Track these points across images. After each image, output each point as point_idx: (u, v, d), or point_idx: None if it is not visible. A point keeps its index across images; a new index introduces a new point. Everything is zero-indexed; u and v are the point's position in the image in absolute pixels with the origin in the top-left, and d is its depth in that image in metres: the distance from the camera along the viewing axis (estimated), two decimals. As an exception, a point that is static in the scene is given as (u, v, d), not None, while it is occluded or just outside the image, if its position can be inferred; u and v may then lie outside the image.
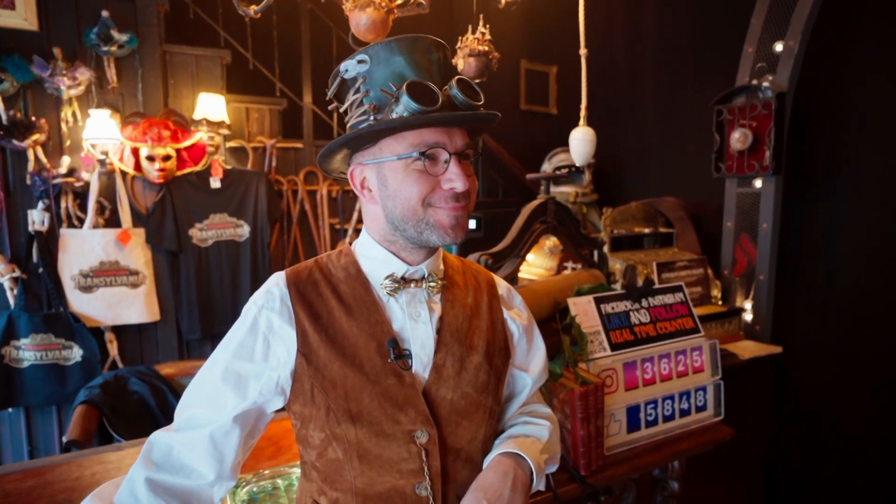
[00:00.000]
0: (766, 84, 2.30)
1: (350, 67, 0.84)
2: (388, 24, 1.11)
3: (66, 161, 2.56)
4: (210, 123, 2.70)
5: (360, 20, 1.07)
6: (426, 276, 0.88)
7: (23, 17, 2.46)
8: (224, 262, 2.88)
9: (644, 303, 1.62)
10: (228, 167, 2.86)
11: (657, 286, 1.67)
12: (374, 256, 0.88)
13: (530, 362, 1.00)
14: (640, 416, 1.52)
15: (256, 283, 2.91)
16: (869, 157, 2.21)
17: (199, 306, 2.83)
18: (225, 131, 2.79)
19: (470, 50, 1.36)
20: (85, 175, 2.58)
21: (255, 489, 1.21)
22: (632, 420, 1.50)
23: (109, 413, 2.41)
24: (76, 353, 2.60)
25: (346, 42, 3.23)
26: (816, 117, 2.33)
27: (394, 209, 0.82)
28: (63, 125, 2.56)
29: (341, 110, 0.90)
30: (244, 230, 2.89)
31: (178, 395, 2.62)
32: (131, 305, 2.70)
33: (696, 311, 1.79)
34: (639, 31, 3.20)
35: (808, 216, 2.40)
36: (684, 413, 1.60)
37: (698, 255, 2.61)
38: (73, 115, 2.56)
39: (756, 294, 2.45)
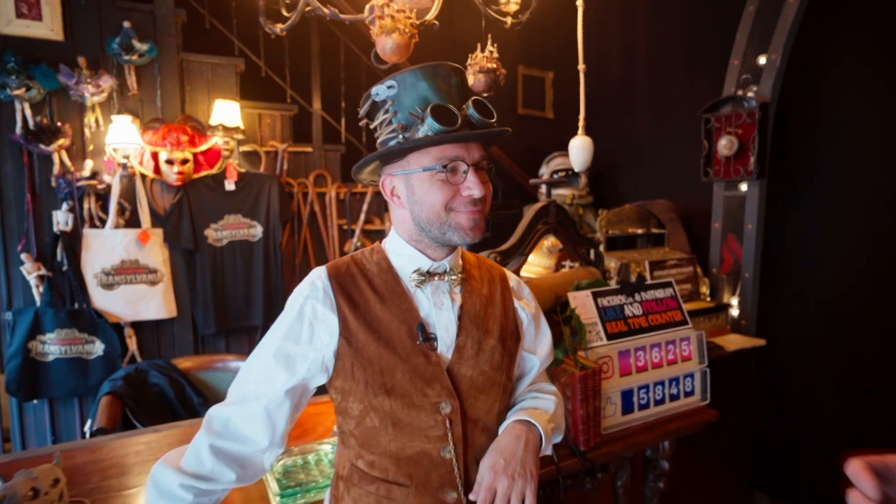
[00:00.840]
0: (750, 95, 2.45)
1: (381, 91, 0.96)
2: (411, 47, 1.24)
3: (89, 164, 2.67)
4: (226, 129, 2.82)
5: (387, 44, 1.20)
6: (448, 270, 1.01)
7: (49, 28, 2.58)
8: (238, 261, 3.00)
9: (637, 297, 1.76)
10: (242, 170, 2.98)
11: (649, 282, 1.80)
12: (402, 253, 1.01)
13: (538, 346, 1.13)
14: (634, 399, 1.65)
15: (269, 281, 3.05)
16: (844, 163, 2.35)
17: (214, 303, 2.95)
18: (240, 136, 2.91)
19: (480, 67, 1.49)
20: (107, 178, 2.69)
21: (288, 463, 1.33)
22: (626, 403, 1.63)
23: (132, 403, 2.52)
24: (98, 348, 2.71)
25: (354, 51, 3.35)
26: (797, 126, 2.47)
27: (420, 213, 0.95)
28: (86, 130, 2.67)
29: (371, 127, 1.03)
30: (257, 230, 3.01)
31: (195, 388, 2.73)
32: (150, 302, 2.82)
33: (686, 307, 1.92)
34: (632, 42, 3.33)
35: (790, 218, 2.54)
36: (674, 397, 1.73)
37: (688, 254, 2.75)
38: (96, 120, 2.67)
39: (742, 291, 2.60)
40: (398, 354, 0.95)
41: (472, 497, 0.93)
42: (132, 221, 2.78)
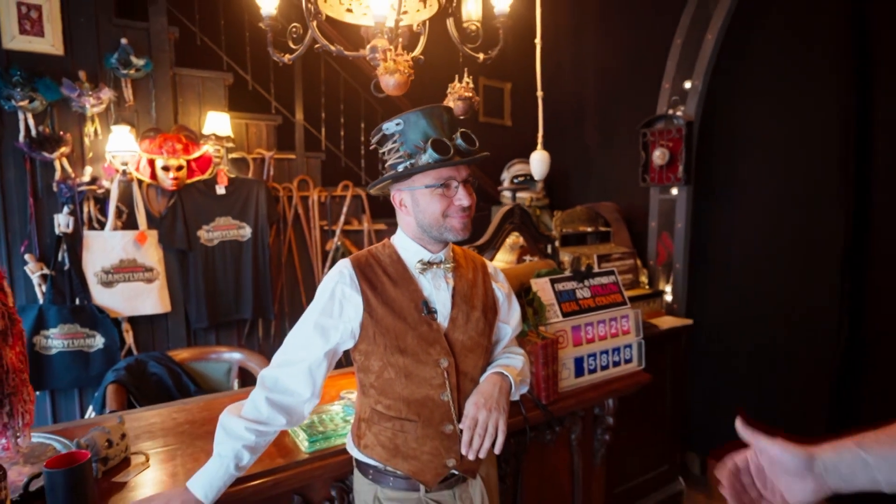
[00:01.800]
0: (678, 114, 2.85)
1: (390, 127, 1.26)
2: (409, 84, 1.54)
3: (88, 171, 2.82)
4: (217, 138, 3.03)
5: (389, 82, 1.49)
6: (443, 260, 1.31)
7: (50, 43, 2.72)
8: (228, 260, 3.20)
9: (586, 283, 2.11)
10: (232, 176, 3.19)
11: (596, 271, 2.16)
12: (408, 248, 1.31)
13: (510, 318, 1.45)
14: (584, 365, 2.00)
15: (257, 278, 3.27)
16: (755, 170, 2.78)
17: (207, 298, 3.15)
18: (230, 144, 3.12)
19: (458, 95, 1.80)
20: (105, 183, 2.85)
21: (308, 421, 1.60)
22: (578, 368, 1.98)
23: (135, 391, 2.71)
24: (98, 341, 2.88)
25: (334, 67, 3.60)
26: (716, 140, 2.89)
27: (423, 219, 1.25)
28: (86, 139, 2.82)
29: (381, 152, 1.32)
30: (246, 231, 3.22)
31: (190, 377, 2.93)
32: (147, 298, 2.99)
33: (628, 293, 2.29)
34: (582, 65, 3.71)
35: (712, 217, 2.96)
36: (616, 364, 2.09)
37: (630, 248, 3.14)
38: (95, 130, 2.83)
39: (674, 279, 3.01)
40: (408, 324, 1.24)
41: (460, 426, 1.24)
42: (129, 224, 2.95)
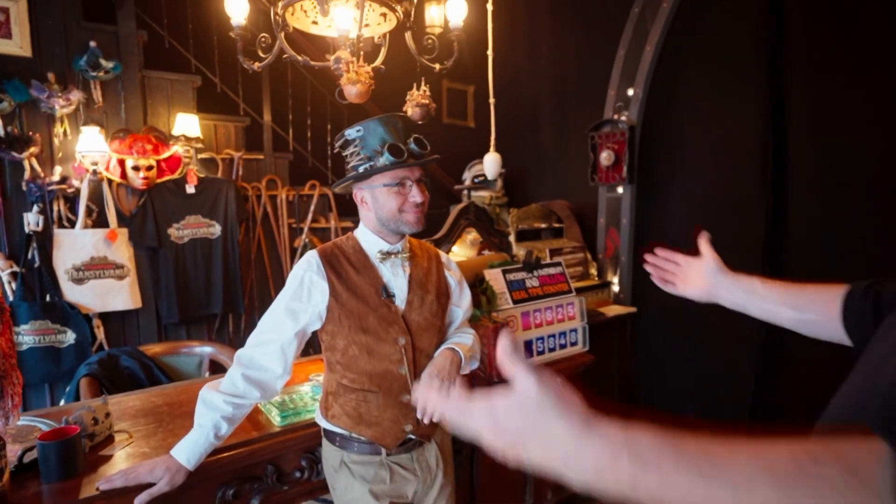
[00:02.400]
0: (623, 119, 3.08)
1: (352, 133, 1.42)
2: (370, 92, 1.69)
3: (58, 170, 2.87)
4: (187, 139, 3.10)
5: (352, 91, 1.64)
6: (400, 250, 1.47)
7: (18, 45, 2.76)
8: (199, 257, 3.28)
9: (535, 273, 2.30)
10: (202, 175, 3.27)
11: (544, 262, 2.36)
12: (369, 240, 1.46)
13: (462, 301, 1.62)
14: (533, 347, 2.19)
15: (227, 274, 3.37)
16: (689, 170, 3.02)
17: (177, 294, 3.22)
18: (199, 145, 3.20)
19: (416, 102, 1.97)
20: (75, 182, 2.90)
21: (279, 399, 1.74)
22: (527, 350, 2.17)
23: (108, 384, 2.77)
24: (70, 337, 2.92)
25: (300, 71, 3.70)
26: (656, 143, 3.13)
27: (381, 214, 1.41)
28: (55, 139, 2.87)
29: (343, 155, 1.47)
30: (216, 229, 3.31)
31: (163, 370, 3.00)
32: (118, 295, 3.05)
33: (579, 284, 2.49)
34: (538, 70, 3.91)
35: (653, 213, 3.20)
36: (562, 346, 2.29)
37: (580, 243, 3.37)
38: (65, 131, 2.88)
39: (620, 271, 3.24)
40: (370, 306, 1.40)
41: (416, 394, 1.40)
42: (99, 222, 3.01)
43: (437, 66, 2.08)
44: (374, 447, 1.42)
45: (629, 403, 3.30)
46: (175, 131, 3.11)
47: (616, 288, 3.26)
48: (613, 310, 3.10)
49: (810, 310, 0.89)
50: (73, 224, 2.92)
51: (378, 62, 2.01)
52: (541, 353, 2.21)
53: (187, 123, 3.12)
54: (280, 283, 3.56)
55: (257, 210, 3.52)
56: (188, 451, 1.30)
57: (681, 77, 3.00)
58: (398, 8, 1.82)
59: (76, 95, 2.84)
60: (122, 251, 3.04)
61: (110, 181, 3.00)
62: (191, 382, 2.09)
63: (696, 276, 1.09)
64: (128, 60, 3.03)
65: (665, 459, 0.45)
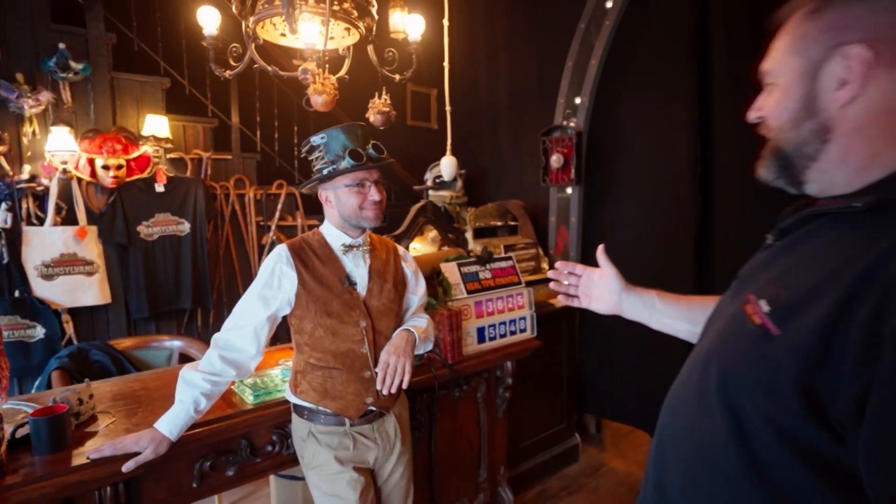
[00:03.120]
0: (571, 125, 3.32)
1: (317, 140, 1.59)
2: (335, 102, 1.85)
3: (27, 169, 2.91)
4: (157, 139, 3.18)
5: (318, 100, 1.80)
6: (361, 244, 1.65)
7: (-14, 46, 2.79)
8: (168, 253, 3.36)
9: (488, 266, 2.50)
10: (171, 174, 3.35)
11: (496, 256, 2.57)
12: (333, 234, 1.63)
13: (417, 289, 1.80)
14: (485, 334, 2.39)
15: (196, 270, 3.46)
16: (630, 173, 3.28)
17: (147, 290, 3.29)
18: (169, 145, 3.28)
19: (378, 110, 2.14)
20: (44, 181, 2.95)
21: (250, 381, 1.88)
22: (480, 336, 2.37)
23: (79, 376, 2.83)
24: (39, 332, 2.97)
25: (268, 74, 3.79)
26: (601, 146, 3.37)
27: (344, 211, 1.58)
28: (24, 138, 2.91)
29: (310, 159, 1.64)
30: (185, 227, 3.39)
31: (133, 363, 3.07)
32: (87, 290, 3.10)
33: (532, 278, 2.69)
34: (495, 78, 4.12)
35: (599, 212, 3.45)
36: (512, 333, 2.50)
37: (533, 240, 3.60)
38: (34, 131, 2.92)
39: (569, 265, 3.48)
40: (334, 293, 1.57)
41: (376, 370, 1.58)
42: (68, 220, 3.05)
43: (398, 77, 2.25)
44: (338, 419, 1.59)
45: (578, 389, 3.54)
46: (145, 131, 3.19)
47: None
48: (562, 301, 3.33)
49: (701, 322, 0.93)
50: (41, 221, 2.96)
51: (342, 72, 2.17)
52: (492, 338, 2.41)
53: (157, 124, 3.19)
54: (248, 279, 3.68)
55: (225, 208, 3.61)
56: (171, 423, 1.44)
57: (622, 87, 3.25)
58: (360, 24, 1.98)
59: (45, 96, 2.89)
60: (91, 248, 3.10)
61: (80, 179, 3.05)
62: (165, 369, 2.21)
63: (602, 291, 1.19)
64: (97, 62, 3.09)
65: None
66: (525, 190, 3.89)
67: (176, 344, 3.23)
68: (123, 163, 3.10)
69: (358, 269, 1.63)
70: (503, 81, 4.07)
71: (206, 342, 3.03)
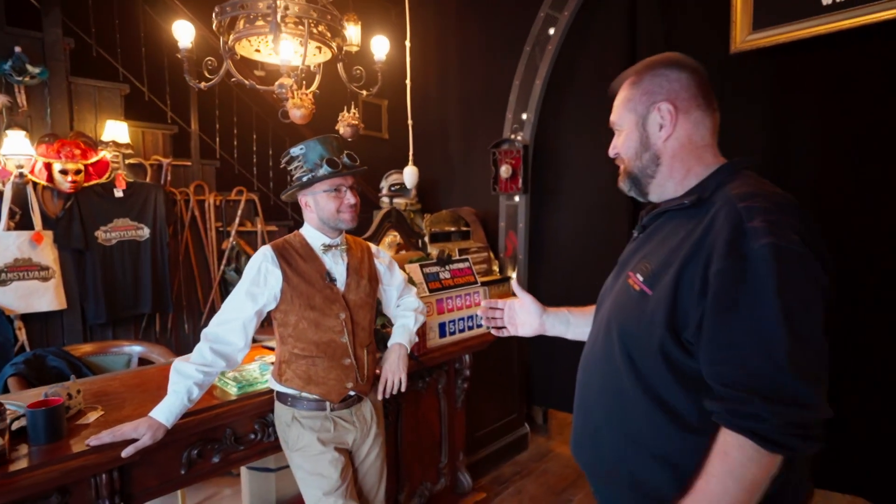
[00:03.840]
0: (518, 138, 3.59)
1: (296, 151, 1.74)
2: (311, 115, 1.99)
3: (-21, 173, 2.84)
4: (117, 145, 3.17)
5: (296, 114, 1.93)
6: (339, 243, 1.81)
7: (-63, 48, 2.72)
8: (126, 258, 3.33)
9: (447, 267, 2.70)
10: (130, 180, 3.33)
11: (454, 258, 2.77)
12: (313, 236, 1.78)
13: (393, 281, 1.97)
14: (446, 328, 2.59)
15: (156, 275, 3.46)
16: (572, 182, 3.58)
17: (105, 295, 3.25)
18: (129, 151, 3.27)
19: (347, 123, 2.30)
20: (-2, 185, 2.89)
21: (232, 375, 1.98)
22: (441, 331, 2.56)
23: (36, 383, 2.78)
24: (-9, 338, 2.89)
25: (226, 83, 3.85)
26: (545, 158, 3.66)
27: (322, 214, 1.74)
28: (-24, 142, 2.84)
29: (289, 169, 1.79)
30: (144, 232, 3.38)
31: (91, 369, 3.04)
32: (42, 296, 3.04)
33: (483, 278, 2.90)
34: (446, 93, 4.32)
35: (544, 218, 3.73)
36: (470, 328, 2.71)
37: (484, 244, 3.83)
38: (-14, 134, 2.86)
39: (518, 267, 3.74)
40: (316, 288, 1.72)
41: (379, 389, 1.78)
42: (22, 224, 2.99)
43: (365, 93, 2.42)
44: (320, 404, 1.73)
45: (527, 383, 3.79)
46: (105, 137, 3.17)
47: (514, 282, 3.76)
48: (513, 299, 3.57)
49: None
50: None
51: (314, 87, 2.32)
52: (452, 333, 2.61)
53: (117, 130, 3.19)
54: (207, 284, 3.70)
55: (185, 214, 3.62)
56: (166, 412, 1.54)
57: (564, 105, 3.56)
58: (333, 44, 2.14)
59: (0, 99, 2.84)
60: (47, 253, 3.04)
61: (35, 184, 3.00)
62: (143, 369, 2.26)
63: (525, 318, 1.45)
64: (54, 67, 3.05)
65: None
66: (476, 198, 4.12)
67: (135, 349, 3.22)
68: (82, 168, 3.07)
69: (337, 266, 1.78)
70: (454, 98, 4.30)
71: (166, 347, 3.07)
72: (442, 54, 4.30)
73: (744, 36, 2.58)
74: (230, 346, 1.64)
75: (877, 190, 2.34)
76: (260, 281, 1.68)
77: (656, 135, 1.07)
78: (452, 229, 3.84)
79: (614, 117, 1.15)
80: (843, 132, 2.42)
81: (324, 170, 1.69)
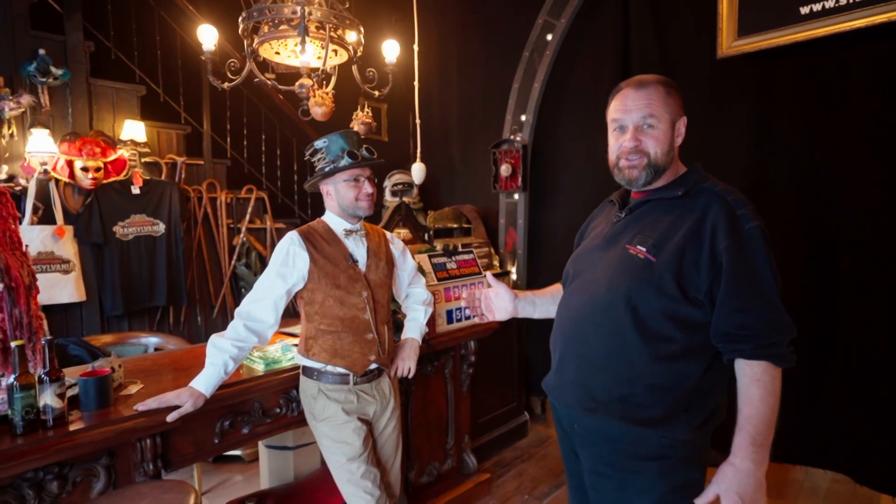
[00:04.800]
0: (518, 139, 3.75)
1: (320, 143, 1.88)
2: (331, 113, 2.13)
3: (4, 169, 2.94)
4: (135, 143, 3.29)
5: (318, 111, 2.08)
6: (359, 229, 1.94)
7: (-34, 50, 2.83)
8: (143, 253, 3.44)
9: (453, 258, 2.85)
10: (147, 177, 3.45)
11: (459, 250, 2.91)
12: (335, 222, 1.92)
13: (405, 266, 2.11)
14: (453, 315, 2.73)
15: (171, 269, 3.57)
16: (569, 180, 3.73)
17: (122, 288, 3.36)
18: (146, 150, 3.39)
19: (361, 121, 2.45)
20: (22, 181, 2.99)
21: (257, 354, 2.10)
22: (449, 317, 2.70)
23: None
24: (14, 328, 2.98)
25: (237, 86, 3.97)
26: (543, 158, 3.82)
27: (342, 202, 1.88)
28: (2, 140, 2.94)
29: (313, 161, 1.93)
30: (160, 227, 3.49)
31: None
32: (63, 288, 3.14)
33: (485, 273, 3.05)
34: (447, 97, 4.47)
35: (542, 215, 3.89)
36: (475, 315, 2.85)
37: (485, 240, 3.98)
38: (12, 133, 2.96)
39: (518, 262, 3.89)
40: (340, 268, 1.85)
41: (395, 372, 1.93)
42: (45, 219, 3.09)
43: (377, 93, 2.57)
44: (344, 377, 1.86)
45: (526, 372, 3.93)
46: (123, 136, 3.29)
47: (514, 276, 3.91)
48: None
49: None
50: (17, 221, 2.99)
51: (329, 87, 2.46)
52: (458, 320, 2.75)
53: (135, 129, 3.31)
54: (218, 278, 3.82)
55: (198, 211, 3.74)
56: (205, 382, 1.67)
57: (561, 107, 3.73)
58: (350, 46, 2.29)
59: (26, 99, 2.95)
60: (68, 247, 3.15)
61: (58, 181, 3.11)
62: (170, 351, 2.38)
63: (500, 304, 1.66)
64: (75, 69, 3.17)
65: (762, 433, 1.15)
66: (476, 195, 4.27)
67: (152, 340, 3.32)
68: (102, 165, 3.19)
69: (358, 249, 1.92)
70: (455, 101, 4.46)
71: (181, 338, 3.17)
72: (444, 59, 4.46)
73: (730, 42, 2.75)
74: (262, 322, 1.77)
75: (853, 187, 2.52)
76: (289, 262, 1.81)
77: (676, 139, 1.34)
78: (454, 226, 3.98)
79: (654, 111, 1.30)
80: (821, 131, 2.60)
81: (345, 161, 1.83)
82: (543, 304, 1.67)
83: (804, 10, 2.54)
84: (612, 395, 1.26)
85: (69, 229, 3.16)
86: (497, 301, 1.67)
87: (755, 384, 1.14)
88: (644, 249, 1.25)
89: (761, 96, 2.78)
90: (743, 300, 1.16)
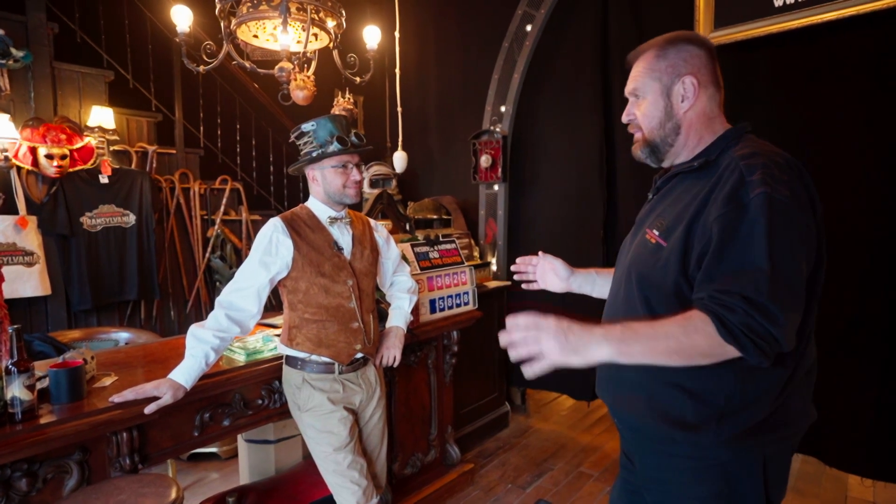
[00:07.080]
0: (497, 129, 3.74)
1: (307, 127, 1.82)
2: (312, 97, 2.07)
3: (-39, 156, 2.78)
4: (103, 130, 3.15)
5: (299, 95, 2.01)
6: (344, 216, 1.90)
7: (-83, 29, 2.65)
8: (112, 244, 3.30)
9: (435, 248, 2.82)
10: (116, 166, 3.30)
11: (441, 240, 2.89)
12: (319, 208, 1.86)
13: (389, 254, 2.07)
14: (437, 305, 2.70)
15: (142, 261, 3.44)
16: (549, 171, 3.75)
17: (90, 281, 3.22)
18: (114, 137, 3.24)
19: (342, 107, 2.39)
20: (-20, 169, 2.83)
21: (238, 344, 2.04)
22: (432, 307, 2.67)
23: (24, 366, 2.75)
24: (-26, 324, 2.82)
25: (210, 72, 3.85)
26: (523, 148, 3.82)
27: (329, 189, 1.83)
28: (-42, 125, 2.78)
29: (299, 144, 1.87)
30: (130, 218, 3.35)
31: (77, 353, 3.01)
32: (27, 281, 2.99)
33: (467, 264, 3.03)
34: (425, 88, 4.43)
35: (522, 206, 3.89)
36: (458, 305, 2.83)
37: (465, 230, 3.96)
38: (-31, 117, 2.80)
39: (497, 253, 3.89)
40: (325, 256, 1.80)
41: (380, 361, 1.89)
42: (6, 209, 2.94)
43: (358, 80, 2.52)
44: (329, 367, 1.82)
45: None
46: (91, 122, 3.14)
47: (494, 266, 3.90)
48: (493, 284, 3.72)
49: None
50: (-24, 211, 2.83)
51: (310, 72, 2.40)
52: (441, 309, 2.73)
53: (102, 116, 3.16)
54: (192, 272, 3.69)
55: (171, 202, 3.61)
56: (185, 374, 1.60)
57: (541, 98, 3.73)
58: (331, 30, 2.23)
59: (-16, 82, 2.79)
60: (31, 238, 3.00)
61: (19, 168, 2.95)
62: (145, 343, 2.28)
63: (553, 276, 1.55)
64: (38, 51, 3.01)
65: (627, 338, 0.96)
66: (456, 186, 4.24)
67: (123, 335, 3.20)
68: (67, 153, 3.04)
69: (343, 237, 1.87)
70: (434, 91, 4.42)
71: (153, 333, 3.07)
72: (422, 49, 4.41)
73: (707, 33, 2.79)
74: (244, 312, 1.71)
75: (832, 177, 2.58)
76: (272, 250, 1.75)
77: (679, 105, 1.15)
78: (434, 217, 3.95)
79: (635, 85, 1.19)
80: (792, 120, 2.66)
81: (334, 146, 1.77)
82: (605, 284, 1.47)
83: (777, 2, 2.59)
84: (640, 394, 1.14)
85: (32, 220, 3.00)
86: (551, 274, 1.55)
87: (682, 316, 0.95)
88: (657, 234, 1.12)
89: (740, 87, 2.82)
90: (724, 266, 0.96)
